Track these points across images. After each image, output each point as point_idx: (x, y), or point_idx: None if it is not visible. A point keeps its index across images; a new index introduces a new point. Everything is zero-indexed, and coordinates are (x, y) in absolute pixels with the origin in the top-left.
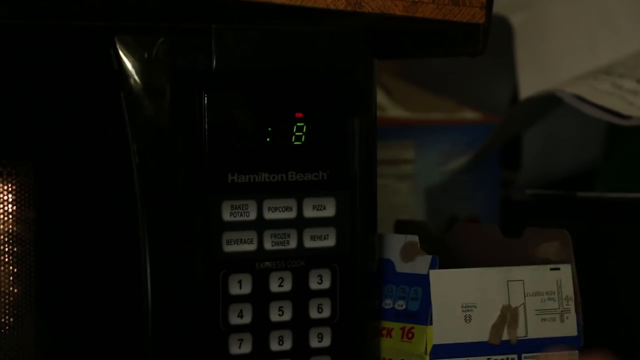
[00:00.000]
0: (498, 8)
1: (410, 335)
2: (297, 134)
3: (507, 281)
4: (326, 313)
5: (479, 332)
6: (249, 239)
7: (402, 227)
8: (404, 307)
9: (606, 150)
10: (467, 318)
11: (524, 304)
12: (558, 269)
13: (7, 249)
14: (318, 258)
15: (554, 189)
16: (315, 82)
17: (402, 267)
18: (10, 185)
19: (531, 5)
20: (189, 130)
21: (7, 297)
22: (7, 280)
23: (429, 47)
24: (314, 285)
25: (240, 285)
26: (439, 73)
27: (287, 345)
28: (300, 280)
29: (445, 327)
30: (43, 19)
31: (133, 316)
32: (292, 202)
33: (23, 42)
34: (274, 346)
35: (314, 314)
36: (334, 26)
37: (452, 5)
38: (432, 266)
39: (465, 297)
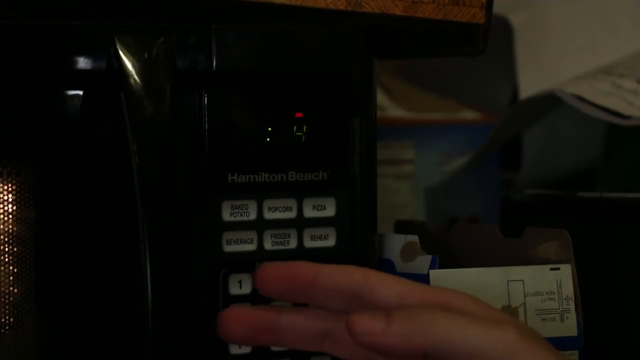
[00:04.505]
0: (498, 8)
1: None
2: (297, 134)
3: (507, 281)
4: None
5: None
6: (249, 239)
7: (402, 227)
8: None
9: (606, 150)
10: None
11: (524, 304)
12: (558, 269)
13: (7, 249)
14: (318, 258)
15: (554, 189)
16: (315, 82)
17: (402, 267)
18: (10, 185)
19: (531, 6)
20: (189, 130)
21: (7, 297)
22: (7, 280)
23: (429, 47)
24: None
25: (240, 285)
26: (439, 73)
27: None
28: None
29: None
30: (43, 19)
31: (133, 316)
32: (292, 202)
33: (23, 42)
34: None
35: None
36: (334, 26)
37: (452, 5)
38: (432, 266)
39: None
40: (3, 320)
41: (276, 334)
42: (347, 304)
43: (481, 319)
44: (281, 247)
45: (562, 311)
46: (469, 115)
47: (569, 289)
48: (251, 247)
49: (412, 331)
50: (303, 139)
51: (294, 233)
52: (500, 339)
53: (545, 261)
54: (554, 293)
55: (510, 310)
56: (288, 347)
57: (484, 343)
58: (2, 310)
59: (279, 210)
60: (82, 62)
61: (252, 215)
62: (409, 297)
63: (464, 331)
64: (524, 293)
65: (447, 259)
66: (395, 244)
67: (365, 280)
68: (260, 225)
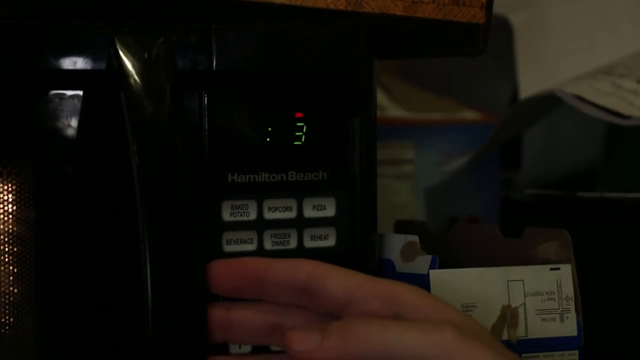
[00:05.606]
0: (498, 8)
1: None
2: (297, 134)
3: (507, 281)
4: None
5: None
6: (249, 239)
7: (402, 227)
8: None
9: (606, 150)
10: None
11: (524, 304)
12: (558, 269)
13: (7, 249)
14: (318, 258)
15: (554, 189)
16: (315, 82)
17: (402, 267)
18: (10, 185)
19: (531, 6)
20: (189, 130)
21: (7, 297)
22: (7, 280)
23: (429, 47)
24: None
25: None
26: (439, 73)
27: None
28: None
29: None
30: (43, 19)
31: (133, 316)
32: (292, 202)
33: (23, 42)
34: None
35: None
36: (334, 26)
37: (452, 5)
38: (432, 266)
39: (465, 297)
40: (3, 320)
41: (226, 330)
42: (297, 298)
43: (418, 323)
44: (281, 247)
45: (562, 311)
46: (469, 115)
47: (569, 289)
48: (251, 247)
49: (348, 344)
50: (303, 139)
51: (294, 233)
52: (438, 342)
53: (545, 261)
54: (554, 293)
55: (510, 311)
56: (239, 343)
57: (421, 348)
58: (2, 310)
59: (279, 210)
60: (82, 62)
61: (252, 215)
62: (357, 290)
63: (400, 339)
64: (524, 293)
65: (447, 259)
66: (395, 244)
67: (314, 274)
68: (260, 225)
